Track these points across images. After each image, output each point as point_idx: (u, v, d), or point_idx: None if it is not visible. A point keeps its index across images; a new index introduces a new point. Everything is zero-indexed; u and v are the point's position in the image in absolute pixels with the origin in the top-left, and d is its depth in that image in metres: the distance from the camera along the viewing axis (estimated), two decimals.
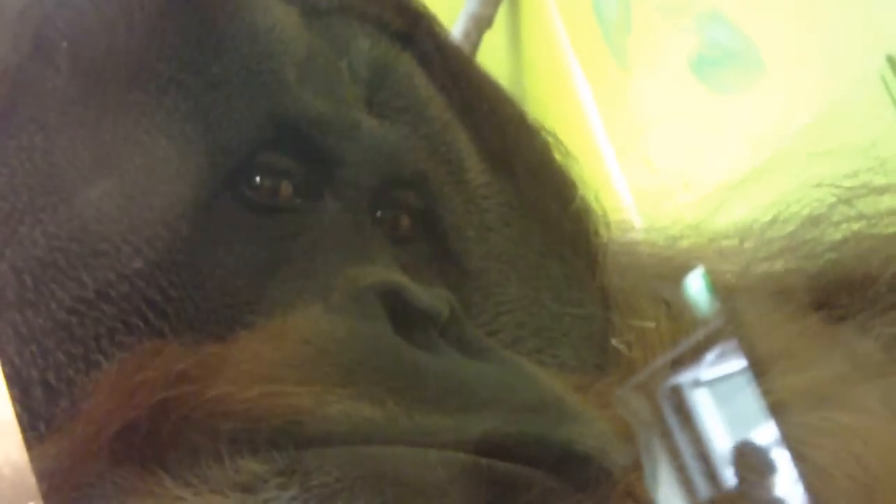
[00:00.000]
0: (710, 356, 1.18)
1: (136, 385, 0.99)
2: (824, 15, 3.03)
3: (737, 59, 3.31)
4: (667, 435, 1.11)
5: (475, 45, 3.82)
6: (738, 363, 1.21)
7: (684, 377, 1.17)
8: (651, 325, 1.25)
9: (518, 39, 3.98)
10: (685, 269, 1.38)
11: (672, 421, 1.15)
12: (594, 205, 1.37)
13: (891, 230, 1.33)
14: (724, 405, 1.15)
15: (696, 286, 1.34)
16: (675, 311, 1.29)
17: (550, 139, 1.37)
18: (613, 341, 1.22)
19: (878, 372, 1.13)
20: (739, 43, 3.30)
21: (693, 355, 1.18)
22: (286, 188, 1.15)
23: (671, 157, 3.55)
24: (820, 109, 2.95)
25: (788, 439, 1.03)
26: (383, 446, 0.97)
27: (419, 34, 1.31)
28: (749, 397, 1.16)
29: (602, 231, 1.35)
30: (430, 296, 1.10)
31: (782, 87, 3.20)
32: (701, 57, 3.42)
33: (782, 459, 1.06)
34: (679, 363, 1.20)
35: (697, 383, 1.17)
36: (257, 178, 1.14)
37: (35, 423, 1.00)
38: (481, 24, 3.85)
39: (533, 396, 1.07)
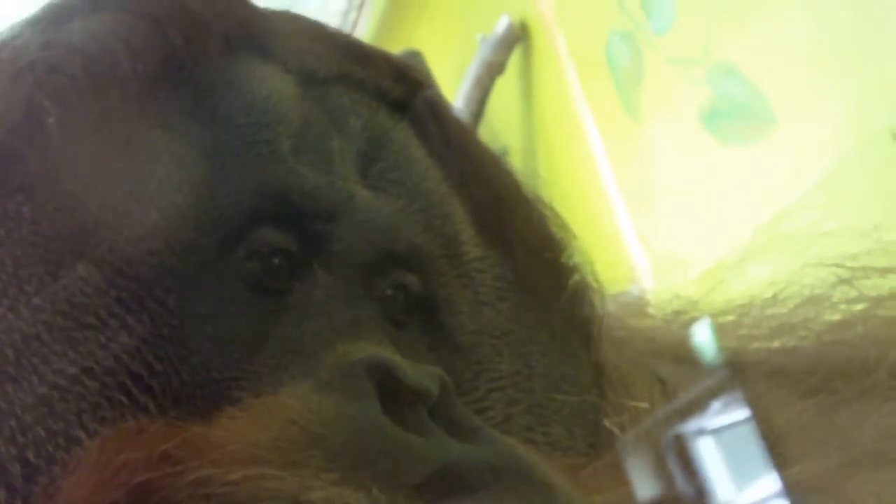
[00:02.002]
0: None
1: (118, 464, 0.98)
2: (837, 71, 3.03)
3: (749, 112, 3.31)
4: None
5: (487, 92, 3.84)
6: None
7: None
8: (645, 405, 1.24)
9: (530, 86, 3.99)
10: (682, 346, 1.37)
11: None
12: (591, 279, 1.35)
13: (892, 313, 1.31)
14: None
15: (703, 342, 1.33)
16: (671, 390, 1.28)
17: (548, 212, 1.35)
18: (606, 422, 1.20)
19: (874, 465, 1.11)
20: (752, 97, 3.30)
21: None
22: (279, 265, 1.14)
23: (682, 210, 3.54)
24: (831, 165, 2.95)
25: None
26: None
27: (417, 104, 1.31)
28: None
29: (598, 306, 1.33)
30: (420, 373, 1.08)
31: (794, 142, 3.20)
32: (713, 110, 3.42)
33: None
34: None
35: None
36: (251, 255, 1.13)
37: (12, 501, 0.99)
38: (493, 70, 3.86)
39: (522, 481, 1.05)
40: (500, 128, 4.09)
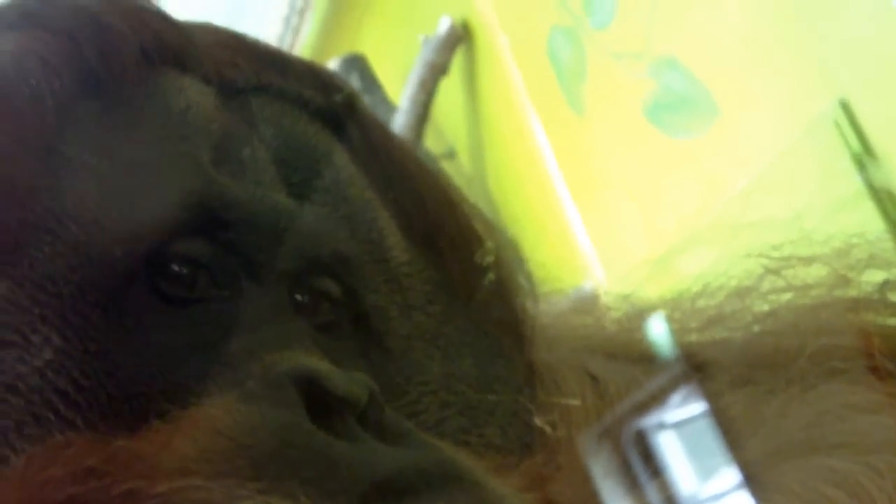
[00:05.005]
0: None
1: (44, 480, 0.98)
2: (778, 60, 3.05)
3: (691, 104, 3.33)
4: None
5: (431, 93, 3.84)
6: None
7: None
8: (576, 402, 1.24)
9: (474, 87, 3.99)
10: (613, 342, 1.38)
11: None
12: (523, 278, 1.36)
13: (817, 301, 1.33)
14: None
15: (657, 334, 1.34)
16: (602, 386, 1.29)
17: (475, 211, 1.36)
18: (537, 420, 1.21)
19: (800, 453, 1.12)
20: (693, 88, 3.32)
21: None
22: (202, 277, 1.14)
23: (629, 202, 3.56)
24: (774, 153, 2.97)
25: None
26: None
27: (339, 111, 1.31)
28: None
29: (530, 305, 1.34)
30: (348, 381, 1.09)
31: (737, 131, 3.22)
32: (656, 102, 3.44)
33: None
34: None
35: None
36: (173, 267, 1.13)
37: None
38: (437, 71, 3.87)
39: (452, 484, 1.05)
40: (446, 129, 4.09)
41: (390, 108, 3.91)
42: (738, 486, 1.11)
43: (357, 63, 4.10)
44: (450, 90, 3.96)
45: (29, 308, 1.07)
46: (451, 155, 4.01)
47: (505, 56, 3.84)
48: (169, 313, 1.12)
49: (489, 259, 1.31)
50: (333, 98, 1.31)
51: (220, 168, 1.19)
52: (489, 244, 1.32)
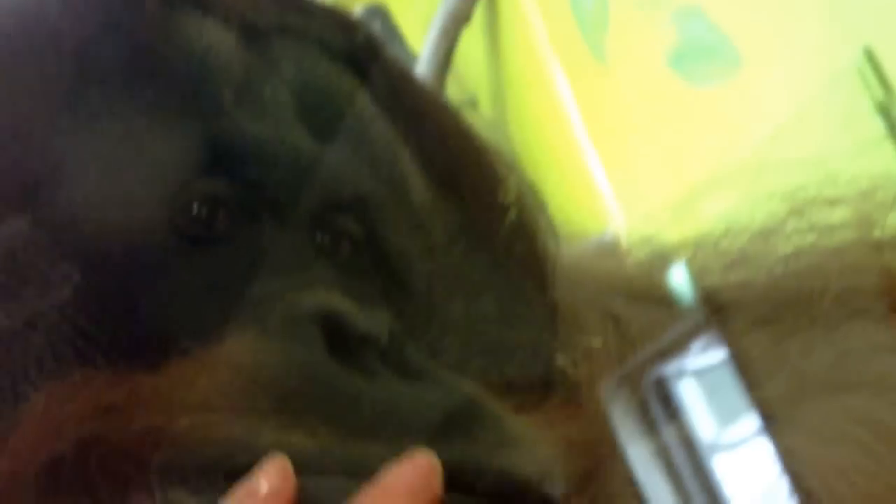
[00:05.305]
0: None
1: (64, 417, 0.98)
2: (801, 8, 3.02)
3: (714, 53, 3.31)
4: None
5: (453, 42, 3.82)
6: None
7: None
8: (598, 341, 1.24)
9: (496, 36, 3.97)
10: (636, 283, 1.37)
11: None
12: (546, 220, 1.36)
13: (840, 243, 1.32)
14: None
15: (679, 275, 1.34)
16: (624, 326, 1.28)
17: (497, 153, 1.35)
18: (558, 360, 1.21)
19: (822, 392, 1.12)
20: (716, 37, 3.30)
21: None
22: (223, 216, 1.14)
23: (651, 151, 3.55)
24: (797, 103, 2.95)
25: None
26: (315, 477, 0.96)
27: (361, 52, 1.30)
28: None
29: (552, 246, 1.34)
30: (369, 319, 1.09)
31: (760, 80, 3.20)
32: (679, 52, 3.42)
33: None
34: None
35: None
36: (194, 206, 1.13)
37: None
38: (459, 20, 3.84)
39: (473, 421, 1.06)
40: (468, 77, 4.08)
41: (412, 58, 3.90)
42: (760, 427, 1.11)
43: (379, 13, 4.08)
44: (471, 39, 3.93)
45: (49, 245, 1.07)
46: (472, 103, 3.99)
47: (527, 4, 3.82)
48: (189, 252, 1.12)
49: (510, 197, 1.30)
50: (355, 40, 1.30)
51: (240, 108, 1.18)
52: (511, 183, 1.32)
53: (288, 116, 1.22)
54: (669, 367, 1.22)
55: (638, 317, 1.30)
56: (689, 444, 1.16)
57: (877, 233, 1.31)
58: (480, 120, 3.85)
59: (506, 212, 1.32)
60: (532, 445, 1.05)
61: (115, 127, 1.14)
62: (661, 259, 1.39)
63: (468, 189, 1.31)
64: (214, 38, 1.21)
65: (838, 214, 1.33)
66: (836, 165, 1.36)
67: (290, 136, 1.20)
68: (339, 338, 1.06)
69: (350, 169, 1.23)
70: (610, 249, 1.52)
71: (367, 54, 1.31)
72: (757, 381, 1.14)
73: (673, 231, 1.43)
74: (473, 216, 1.31)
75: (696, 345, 1.23)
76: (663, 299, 1.34)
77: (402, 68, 1.37)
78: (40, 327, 1.04)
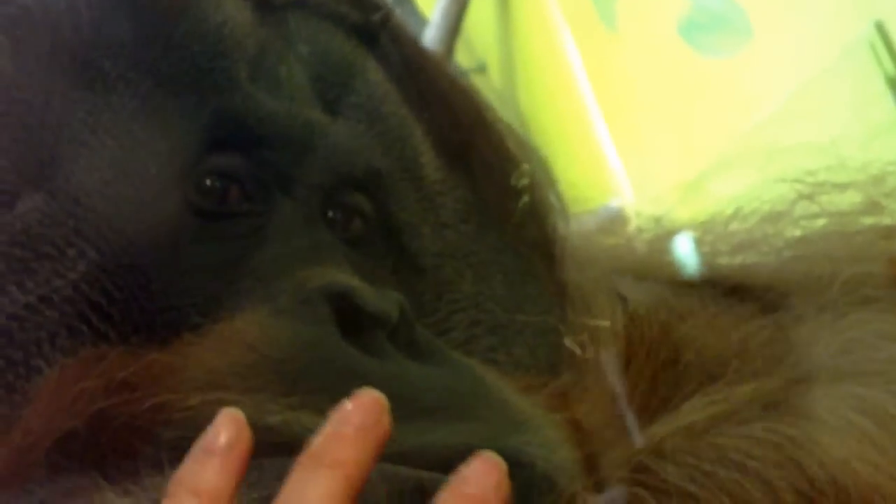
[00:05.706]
0: None
1: (76, 392, 0.99)
2: None
3: (725, 23, 3.30)
4: None
5: (463, 6, 3.81)
6: None
7: None
8: (606, 323, 1.24)
9: (507, 3, 3.96)
10: (644, 263, 1.37)
11: None
12: (555, 198, 1.36)
13: (850, 228, 1.32)
14: None
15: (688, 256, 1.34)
16: (632, 307, 1.28)
17: (509, 130, 1.35)
18: (566, 341, 1.21)
19: (829, 380, 1.12)
20: (728, 8, 3.29)
21: None
22: (235, 192, 1.14)
23: (660, 121, 3.55)
24: (808, 75, 2.95)
25: (731, 452, 1.02)
26: None
27: (375, 27, 1.30)
28: None
29: (561, 225, 1.34)
30: (379, 298, 1.09)
31: (771, 52, 3.20)
32: (690, 21, 3.41)
33: None
34: None
35: None
36: (207, 181, 1.13)
37: None
38: None
39: (480, 402, 1.06)
40: (477, 43, 4.07)
41: (421, 21, 3.88)
42: (760, 415, 1.11)
43: None
44: (482, 4, 3.92)
45: (64, 221, 1.08)
46: (481, 69, 3.98)
47: None
48: (202, 228, 1.13)
49: (524, 181, 1.30)
50: (370, 16, 1.30)
51: (255, 83, 1.19)
52: (524, 166, 1.32)
53: (302, 92, 1.22)
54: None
55: (645, 297, 1.30)
56: None
57: (887, 219, 1.31)
58: (489, 86, 3.84)
59: (518, 193, 1.32)
60: (539, 428, 1.06)
61: (130, 101, 1.14)
62: (671, 239, 1.39)
63: (480, 167, 1.31)
64: (230, 12, 1.21)
65: (848, 199, 1.33)
66: (847, 148, 1.36)
67: (303, 112, 1.21)
68: (349, 317, 1.06)
69: (362, 145, 1.23)
70: (617, 226, 1.52)
71: (381, 29, 1.31)
72: (762, 369, 1.14)
73: (682, 211, 1.43)
74: (484, 194, 1.31)
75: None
76: (672, 280, 1.34)
77: (417, 43, 1.37)
78: (55, 303, 1.05)
